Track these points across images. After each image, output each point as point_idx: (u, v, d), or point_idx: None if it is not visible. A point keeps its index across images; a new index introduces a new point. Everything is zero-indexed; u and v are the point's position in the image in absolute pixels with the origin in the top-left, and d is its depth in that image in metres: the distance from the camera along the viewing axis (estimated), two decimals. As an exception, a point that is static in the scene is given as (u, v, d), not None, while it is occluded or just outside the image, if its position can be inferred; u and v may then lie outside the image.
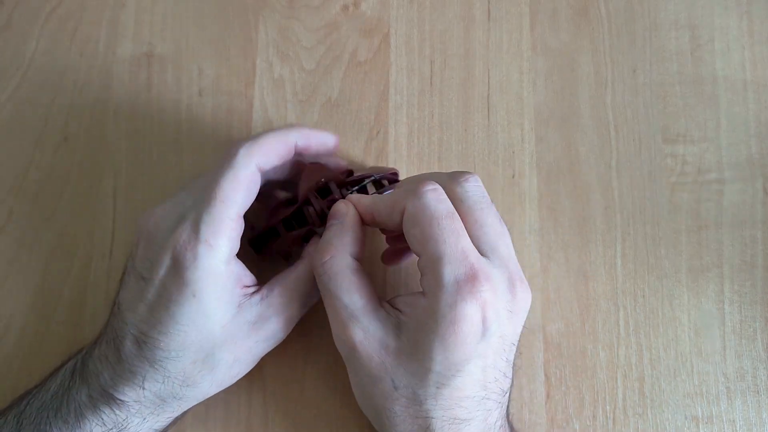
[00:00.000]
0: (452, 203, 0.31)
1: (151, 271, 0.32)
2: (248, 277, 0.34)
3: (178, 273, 0.31)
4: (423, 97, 0.44)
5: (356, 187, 0.37)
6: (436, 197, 0.31)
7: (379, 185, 0.38)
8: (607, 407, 0.39)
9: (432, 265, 0.30)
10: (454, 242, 0.30)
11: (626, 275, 0.42)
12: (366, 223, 0.34)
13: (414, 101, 0.44)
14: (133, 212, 0.42)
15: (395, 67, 0.45)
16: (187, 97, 0.44)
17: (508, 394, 0.33)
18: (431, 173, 0.35)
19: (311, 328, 0.40)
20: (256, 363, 0.35)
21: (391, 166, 0.43)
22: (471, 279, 0.29)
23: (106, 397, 0.32)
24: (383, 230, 0.39)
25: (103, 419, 0.32)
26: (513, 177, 0.43)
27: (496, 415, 0.32)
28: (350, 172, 0.38)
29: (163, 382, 0.32)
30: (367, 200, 0.34)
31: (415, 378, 0.30)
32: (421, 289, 0.31)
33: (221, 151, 0.43)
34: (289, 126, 0.35)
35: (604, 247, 0.42)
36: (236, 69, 0.45)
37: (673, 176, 0.43)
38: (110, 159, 0.43)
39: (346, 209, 0.34)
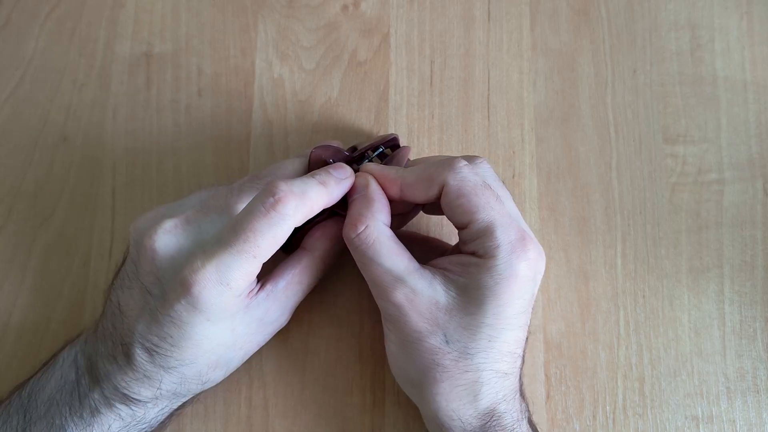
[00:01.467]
0: None
1: (160, 291, 0.32)
2: (252, 284, 0.34)
3: (194, 305, 0.30)
4: (423, 97, 0.44)
5: (364, 161, 0.37)
6: (473, 171, 0.33)
7: (382, 156, 0.38)
8: (607, 407, 0.39)
9: (486, 230, 0.32)
10: (500, 208, 0.32)
11: (626, 275, 0.42)
12: (390, 195, 0.35)
13: (414, 101, 0.44)
14: (132, 212, 0.42)
15: (395, 67, 0.45)
16: (187, 97, 0.44)
17: (523, 358, 0.35)
18: (445, 156, 0.36)
19: (311, 328, 0.40)
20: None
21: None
22: (521, 241, 0.32)
23: (122, 397, 0.32)
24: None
25: (120, 415, 0.33)
26: (513, 177, 0.43)
27: (520, 376, 0.34)
28: (354, 148, 0.39)
29: (180, 384, 0.33)
30: (393, 173, 0.35)
31: (467, 332, 0.31)
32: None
33: (220, 151, 0.43)
34: (331, 178, 0.33)
35: (604, 247, 0.42)
36: (236, 69, 0.45)
37: (673, 176, 0.43)
38: (109, 159, 0.43)
39: (366, 181, 0.35)
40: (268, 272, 0.34)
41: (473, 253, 0.32)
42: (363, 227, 0.33)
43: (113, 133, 0.43)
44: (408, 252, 0.33)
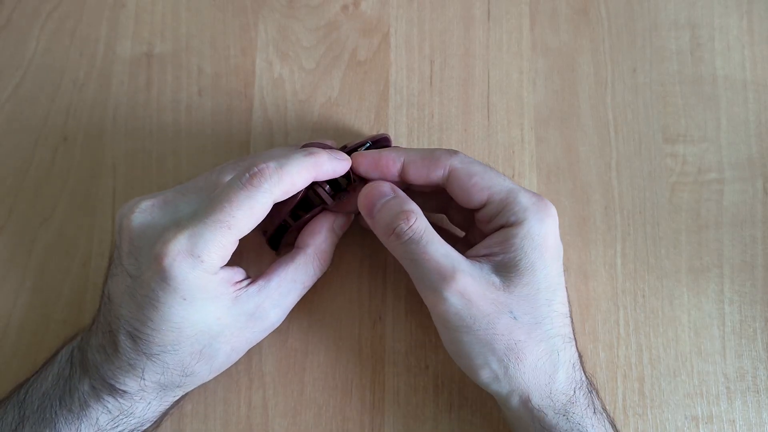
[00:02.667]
0: None
1: (138, 271, 0.32)
2: (238, 274, 0.34)
3: (164, 280, 0.30)
4: (423, 97, 0.44)
5: None
6: (467, 156, 0.35)
7: None
8: (608, 407, 0.39)
9: (508, 199, 0.33)
10: (509, 180, 0.34)
11: (626, 275, 0.42)
12: (388, 176, 0.35)
13: (414, 101, 0.44)
14: (133, 212, 0.42)
15: (395, 66, 0.45)
16: (187, 97, 0.44)
17: None
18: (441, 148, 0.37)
19: (311, 328, 0.40)
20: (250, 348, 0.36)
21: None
22: (541, 200, 0.33)
23: (109, 388, 0.33)
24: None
25: (107, 407, 0.33)
26: (513, 177, 0.43)
27: (575, 339, 0.35)
28: (344, 147, 0.39)
29: (163, 374, 0.32)
30: (394, 152, 0.35)
31: (529, 302, 0.32)
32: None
33: (220, 151, 0.43)
34: (310, 155, 0.33)
35: (604, 247, 0.42)
36: (236, 69, 0.45)
37: (673, 176, 0.43)
38: (109, 158, 0.43)
39: (389, 186, 0.35)
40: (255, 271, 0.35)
41: (502, 227, 0.33)
42: (414, 218, 0.33)
43: (113, 133, 0.43)
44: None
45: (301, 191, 0.35)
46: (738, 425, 0.39)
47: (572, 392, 0.33)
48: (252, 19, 0.46)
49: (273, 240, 0.38)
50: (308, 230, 0.36)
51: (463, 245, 0.36)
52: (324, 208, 0.36)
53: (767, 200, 0.43)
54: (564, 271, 0.34)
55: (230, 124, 0.44)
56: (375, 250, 0.41)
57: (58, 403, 0.33)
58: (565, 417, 0.33)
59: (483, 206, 0.34)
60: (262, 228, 0.34)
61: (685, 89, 0.45)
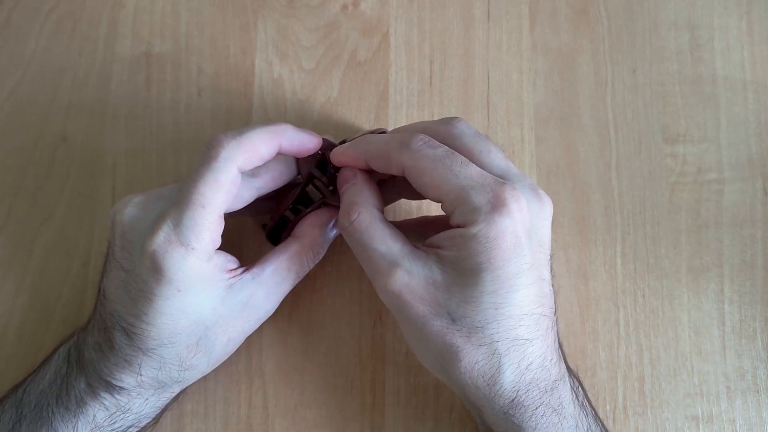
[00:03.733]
0: (452, 143, 0.33)
1: (132, 265, 0.32)
2: (231, 262, 0.34)
3: (158, 272, 0.30)
4: (423, 97, 0.44)
5: None
6: (429, 145, 0.32)
7: None
8: (607, 407, 0.39)
9: (458, 200, 0.31)
10: (466, 173, 0.31)
11: (626, 275, 0.42)
12: (360, 167, 0.35)
13: (414, 101, 0.44)
14: (133, 212, 0.42)
15: (395, 66, 0.45)
16: (187, 97, 0.44)
17: (556, 316, 0.34)
18: (421, 122, 0.36)
19: (311, 327, 0.40)
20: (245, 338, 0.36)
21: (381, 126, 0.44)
22: (498, 197, 0.30)
23: (105, 385, 0.32)
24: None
25: (104, 404, 0.33)
26: (513, 177, 0.43)
27: (552, 336, 0.33)
28: (343, 142, 0.39)
29: (160, 369, 0.32)
30: (356, 149, 0.34)
31: (470, 305, 0.30)
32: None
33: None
34: (272, 124, 0.33)
35: (604, 247, 0.42)
36: (235, 68, 0.45)
37: (673, 176, 0.43)
38: (109, 158, 0.43)
39: (353, 172, 0.35)
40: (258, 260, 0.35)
41: (458, 226, 0.31)
42: (356, 214, 0.32)
43: (113, 133, 0.43)
44: (403, 236, 0.33)
45: (303, 176, 0.35)
46: (738, 425, 0.39)
47: (515, 395, 0.31)
48: (252, 18, 0.46)
49: (272, 234, 0.38)
50: (306, 222, 0.36)
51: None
52: (324, 202, 0.36)
53: (767, 200, 0.43)
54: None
55: (230, 124, 0.44)
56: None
57: (55, 402, 0.33)
58: (503, 417, 0.31)
59: (441, 202, 0.32)
60: (261, 222, 0.34)
61: (685, 89, 0.45)
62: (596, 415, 0.34)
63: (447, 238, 0.31)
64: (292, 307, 0.40)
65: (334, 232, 0.37)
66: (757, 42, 0.46)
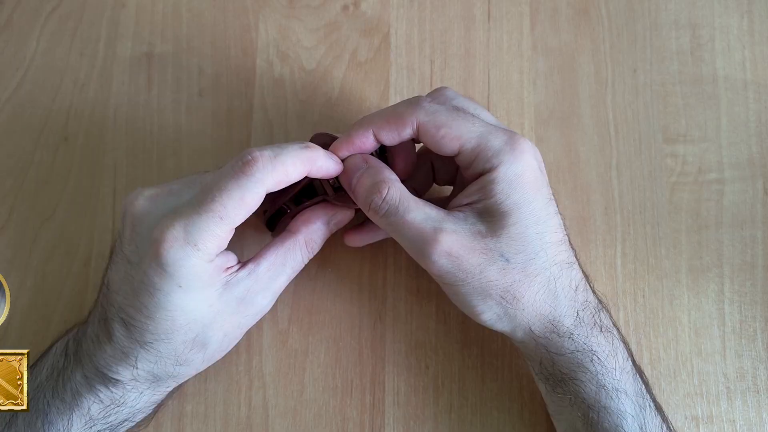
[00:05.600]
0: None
1: (138, 257, 0.32)
2: (230, 259, 0.34)
3: (161, 267, 0.30)
4: (423, 97, 0.44)
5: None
6: (438, 101, 0.34)
7: (383, 149, 0.38)
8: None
9: (479, 145, 0.33)
10: (479, 123, 0.33)
11: (626, 275, 0.42)
12: (367, 148, 0.35)
13: (414, 101, 0.44)
14: (133, 212, 0.42)
15: (395, 66, 0.45)
16: (187, 97, 0.44)
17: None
18: (406, 99, 0.36)
19: (311, 327, 0.40)
20: (243, 335, 0.35)
21: None
22: (512, 137, 0.33)
23: (101, 377, 0.33)
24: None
25: (99, 397, 0.33)
26: (513, 177, 0.43)
27: (579, 262, 0.35)
28: None
29: (156, 362, 0.32)
30: (359, 127, 0.35)
31: (518, 241, 0.32)
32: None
33: (221, 151, 0.43)
34: (305, 148, 0.33)
35: (604, 247, 0.42)
36: (236, 69, 0.45)
37: (673, 176, 0.43)
38: (110, 159, 0.43)
39: (363, 157, 0.35)
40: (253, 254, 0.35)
41: (480, 174, 0.33)
42: (386, 189, 0.33)
43: (114, 133, 0.43)
44: (432, 204, 0.34)
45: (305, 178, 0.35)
46: (738, 425, 0.39)
47: (575, 314, 0.33)
48: (252, 19, 0.46)
49: (270, 221, 0.38)
50: (303, 217, 0.36)
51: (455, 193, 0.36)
52: (325, 199, 0.36)
53: (767, 200, 0.43)
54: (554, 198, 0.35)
55: (231, 124, 0.44)
56: (375, 250, 0.41)
57: (51, 394, 0.33)
58: (570, 338, 0.33)
59: (458, 154, 0.34)
60: (262, 208, 0.34)
61: (685, 89, 0.45)
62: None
63: (475, 191, 0.33)
64: (292, 307, 0.40)
65: (330, 227, 0.37)
66: (757, 42, 0.46)
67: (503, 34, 0.46)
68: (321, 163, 0.34)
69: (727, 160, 0.43)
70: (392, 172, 0.35)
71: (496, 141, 0.33)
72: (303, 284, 0.37)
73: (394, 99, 0.44)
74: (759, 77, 0.45)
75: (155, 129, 0.44)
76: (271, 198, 0.34)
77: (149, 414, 0.36)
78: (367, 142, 0.35)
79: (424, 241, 0.32)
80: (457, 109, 0.34)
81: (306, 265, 0.36)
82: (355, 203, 0.36)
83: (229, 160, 0.34)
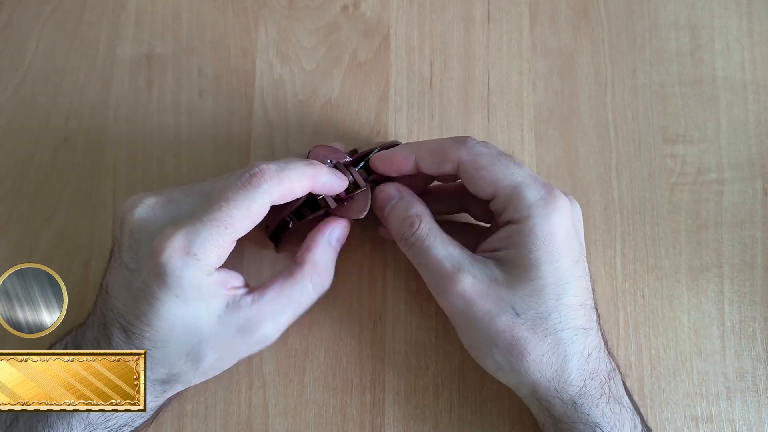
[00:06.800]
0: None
1: (137, 264, 0.32)
2: (235, 278, 0.33)
3: (161, 276, 0.30)
4: (423, 98, 0.44)
5: (362, 163, 0.38)
6: (484, 144, 0.35)
7: None
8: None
9: (513, 193, 0.33)
10: (520, 171, 0.33)
11: (626, 275, 0.42)
12: (404, 171, 0.36)
13: (414, 102, 0.44)
14: (133, 212, 0.42)
15: (395, 67, 0.45)
16: (187, 98, 0.44)
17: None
18: (454, 136, 0.37)
19: (311, 328, 0.40)
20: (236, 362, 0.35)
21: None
22: (551, 193, 0.33)
23: None
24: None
25: None
26: (513, 177, 0.43)
27: (600, 328, 0.34)
28: (354, 151, 0.39)
29: (152, 370, 0.32)
30: (405, 150, 0.36)
31: (533, 298, 0.32)
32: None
33: (221, 152, 0.43)
34: (310, 165, 0.34)
35: (604, 247, 0.42)
36: (236, 70, 0.45)
37: (673, 176, 0.43)
38: (110, 159, 0.43)
39: (396, 188, 0.36)
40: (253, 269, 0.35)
41: (509, 222, 0.33)
42: (418, 222, 0.34)
43: (114, 134, 0.43)
44: (458, 243, 0.34)
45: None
46: (738, 425, 0.39)
47: (581, 383, 0.32)
48: (252, 20, 0.46)
49: (274, 236, 0.38)
50: (305, 245, 0.35)
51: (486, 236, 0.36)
52: (327, 211, 0.36)
53: (767, 200, 0.43)
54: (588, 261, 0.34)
55: (231, 125, 0.44)
56: (375, 250, 0.41)
57: None
58: (573, 407, 0.32)
59: (493, 198, 0.34)
60: (264, 223, 0.34)
61: (684, 90, 0.45)
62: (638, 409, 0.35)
63: (502, 239, 0.33)
64: (293, 307, 0.40)
65: (334, 245, 0.36)
66: (757, 42, 0.46)
67: (503, 35, 0.46)
68: (325, 180, 0.34)
69: (726, 161, 0.43)
70: (424, 204, 0.36)
71: (532, 193, 0.33)
72: (303, 284, 0.37)
73: (394, 100, 0.44)
74: (758, 78, 0.45)
75: (155, 130, 0.44)
76: (273, 212, 0.34)
77: (148, 418, 0.36)
78: (406, 165, 0.36)
79: (443, 279, 0.33)
80: (502, 156, 0.34)
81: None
82: (355, 215, 0.36)
83: (232, 172, 0.34)
